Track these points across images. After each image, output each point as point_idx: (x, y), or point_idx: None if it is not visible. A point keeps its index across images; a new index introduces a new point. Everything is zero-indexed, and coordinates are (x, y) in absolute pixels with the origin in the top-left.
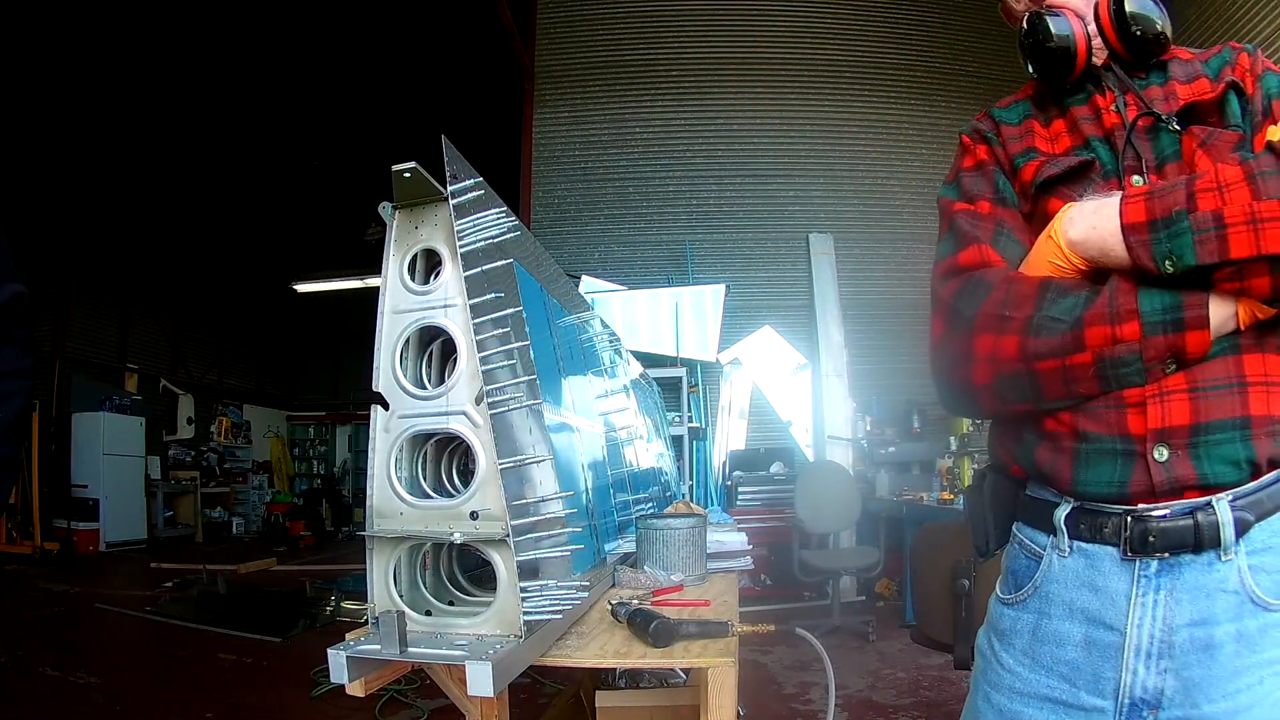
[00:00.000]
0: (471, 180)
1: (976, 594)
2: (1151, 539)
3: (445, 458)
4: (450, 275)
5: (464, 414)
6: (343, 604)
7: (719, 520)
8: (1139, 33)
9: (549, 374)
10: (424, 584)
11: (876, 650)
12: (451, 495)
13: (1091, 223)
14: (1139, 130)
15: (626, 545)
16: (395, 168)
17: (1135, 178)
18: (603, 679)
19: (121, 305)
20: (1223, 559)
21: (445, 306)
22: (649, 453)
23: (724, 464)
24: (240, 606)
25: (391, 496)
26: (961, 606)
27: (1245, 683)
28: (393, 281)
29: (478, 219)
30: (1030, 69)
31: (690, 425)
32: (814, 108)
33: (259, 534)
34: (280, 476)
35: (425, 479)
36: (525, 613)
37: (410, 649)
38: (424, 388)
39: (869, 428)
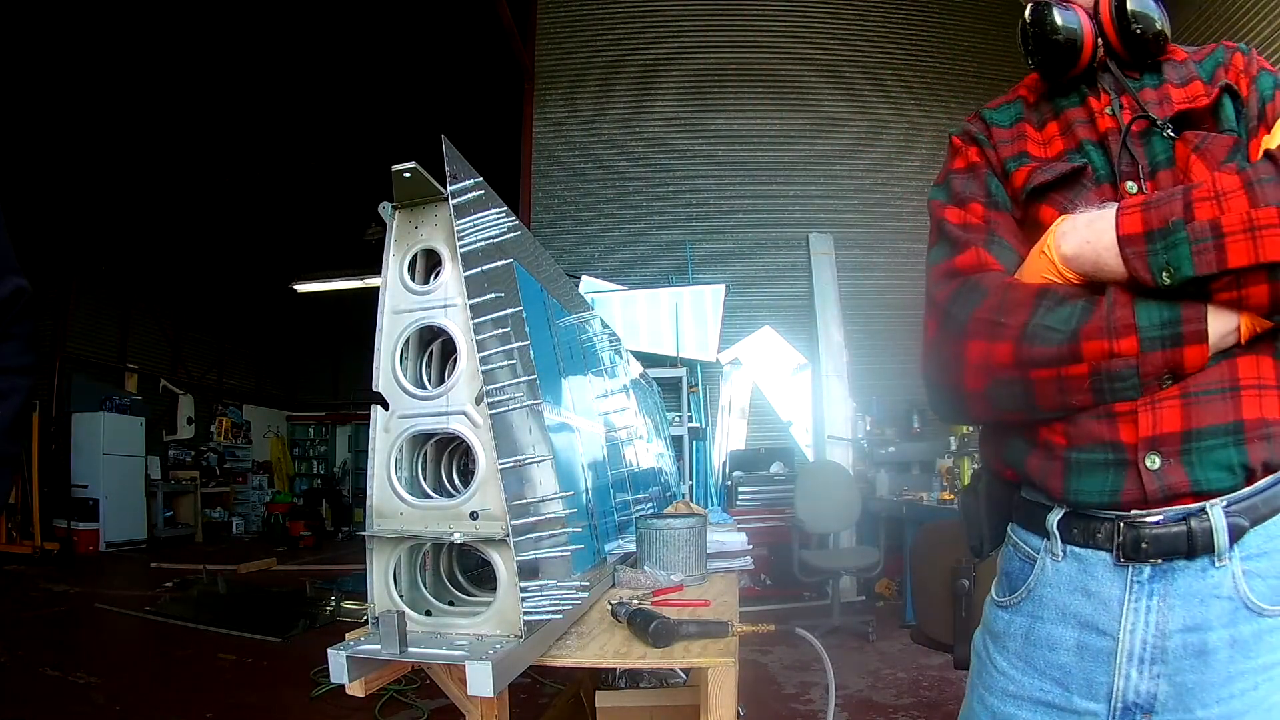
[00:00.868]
0: (471, 180)
1: (976, 594)
2: (1144, 545)
3: (445, 458)
4: (450, 275)
5: (464, 414)
6: (343, 604)
7: (719, 520)
8: (1139, 31)
9: (549, 374)
10: (424, 584)
11: (876, 650)
12: (451, 495)
13: (1085, 237)
14: (1133, 134)
15: (626, 545)
16: (395, 168)
17: (1129, 184)
18: (603, 679)
19: (121, 305)
20: (1217, 565)
21: (445, 306)
22: (649, 453)
23: (724, 464)
24: (240, 606)
25: (391, 496)
26: (961, 606)
27: (1239, 688)
28: (393, 281)
29: (478, 219)
30: (1030, 60)
31: (690, 425)
32: (814, 108)
33: (259, 534)
34: (280, 476)
35: (425, 479)
36: (525, 613)
37: (410, 649)
38: (424, 388)
39: (869, 428)
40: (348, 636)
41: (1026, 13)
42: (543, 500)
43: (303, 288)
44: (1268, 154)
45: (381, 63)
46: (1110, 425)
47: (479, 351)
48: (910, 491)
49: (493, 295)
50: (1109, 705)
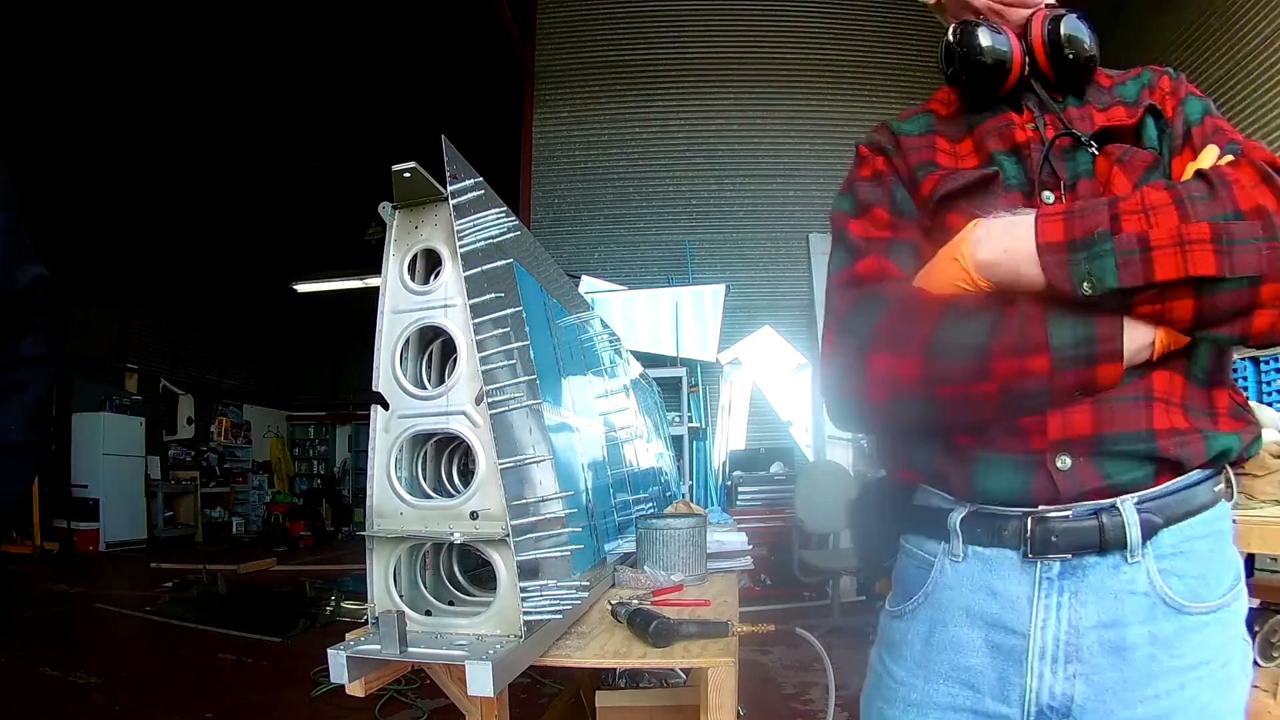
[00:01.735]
0: (471, 180)
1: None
2: (1054, 539)
3: (445, 458)
4: (450, 275)
5: (464, 414)
6: (343, 604)
7: (719, 520)
8: (1071, 56)
9: (549, 374)
10: (424, 584)
11: None
12: (451, 495)
13: (1004, 245)
14: (1056, 149)
15: (626, 545)
16: (395, 168)
17: (1046, 194)
18: (603, 679)
19: (121, 305)
20: (1129, 561)
21: (445, 306)
22: (649, 453)
23: (724, 464)
24: (240, 606)
25: (391, 496)
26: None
27: (1165, 687)
28: (393, 281)
29: (478, 219)
30: (951, 78)
31: (690, 425)
32: (814, 108)
33: (259, 534)
34: (280, 476)
35: (425, 479)
36: (525, 613)
37: (410, 649)
38: (424, 388)
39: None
40: (348, 636)
41: (951, 32)
42: (543, 500)
43: (303, 288)
44: (1199, 173)
45: (381, 63)
46: (1020, 435)
47: (479, 351)
48: None
49: (493, 295)
50: (1022, 709)
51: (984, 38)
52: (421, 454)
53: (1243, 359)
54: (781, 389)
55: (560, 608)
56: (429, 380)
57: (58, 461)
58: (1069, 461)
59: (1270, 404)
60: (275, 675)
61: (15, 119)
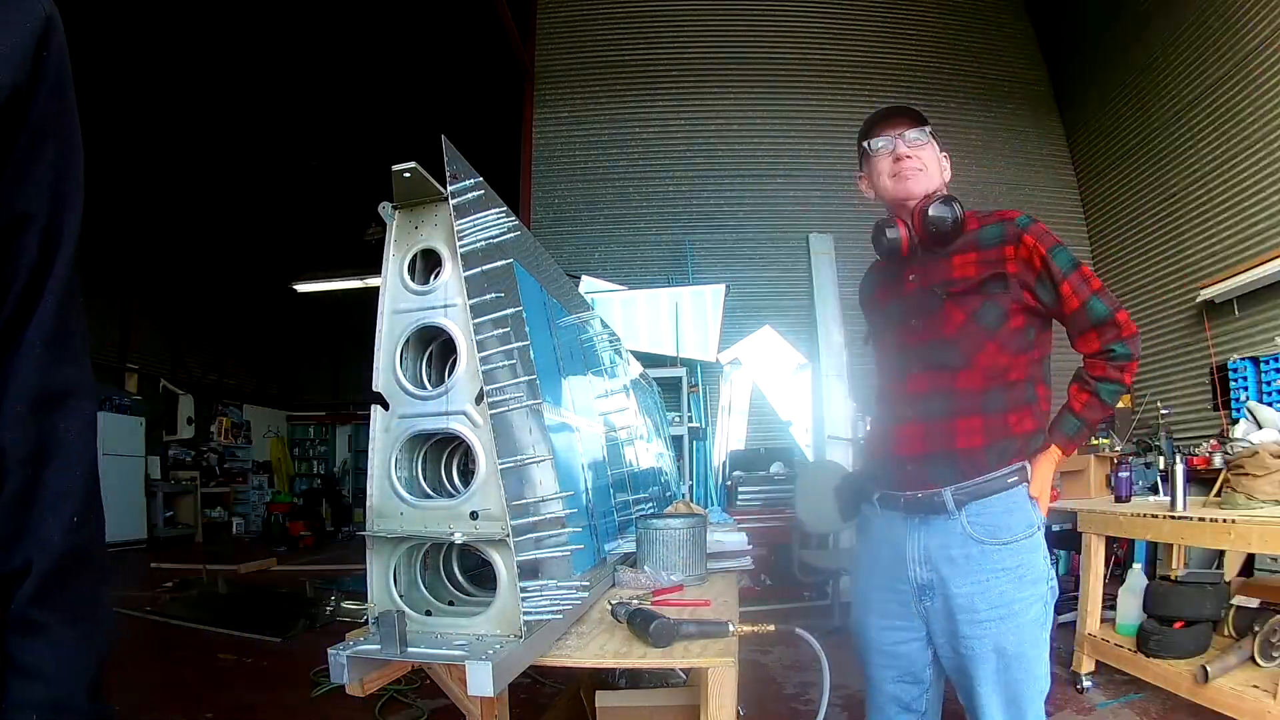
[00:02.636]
0: (471, 180)
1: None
2: (915, 507)
3: (445, 458)
4: (450, 275)
5: (464, 414)
6: (343, 604)
7: (719, 520)
8: (934, 229)
9: (549, 374)
10: (424, 584)
11: None
12: (451, 495)
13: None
14: (920, 292)
15: (626, 545)
16: (395, 168)
17: (913, 321)
18: (603, 679)
19: (121, 305)
20: (950, 518)
21: (445, 306)
22: (649, 453)
23: (724, 464)
24: (240, 606)
25: (391, 496)
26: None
27: (978, 580)
28: (393, 281)
29: (478, 219)
30: (877, 252)
31: (690, 425)
32: (814, 108)
33: (259, 534)
34: (280, 476)
35: (425, 479)
36: (525, 613)
37: (410, 649)
38: (424, 388)
39: (869, 428)
40: (348, 636)
41: (874, 228)
42: (543, 500)
43: (303, 288)
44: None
45: (381, 63)
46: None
47: (479, 351)
48: None
49: (493, 295)
50: (911, 585)
51: (886, 232)
52: (421, 454)
53: (1243, 359)
54: (781, 389)
55: (560, 608)
56: (429, 380)
57: None
58: (912, 468)
59: (1270, 404)
60: (275, 675)
61: None
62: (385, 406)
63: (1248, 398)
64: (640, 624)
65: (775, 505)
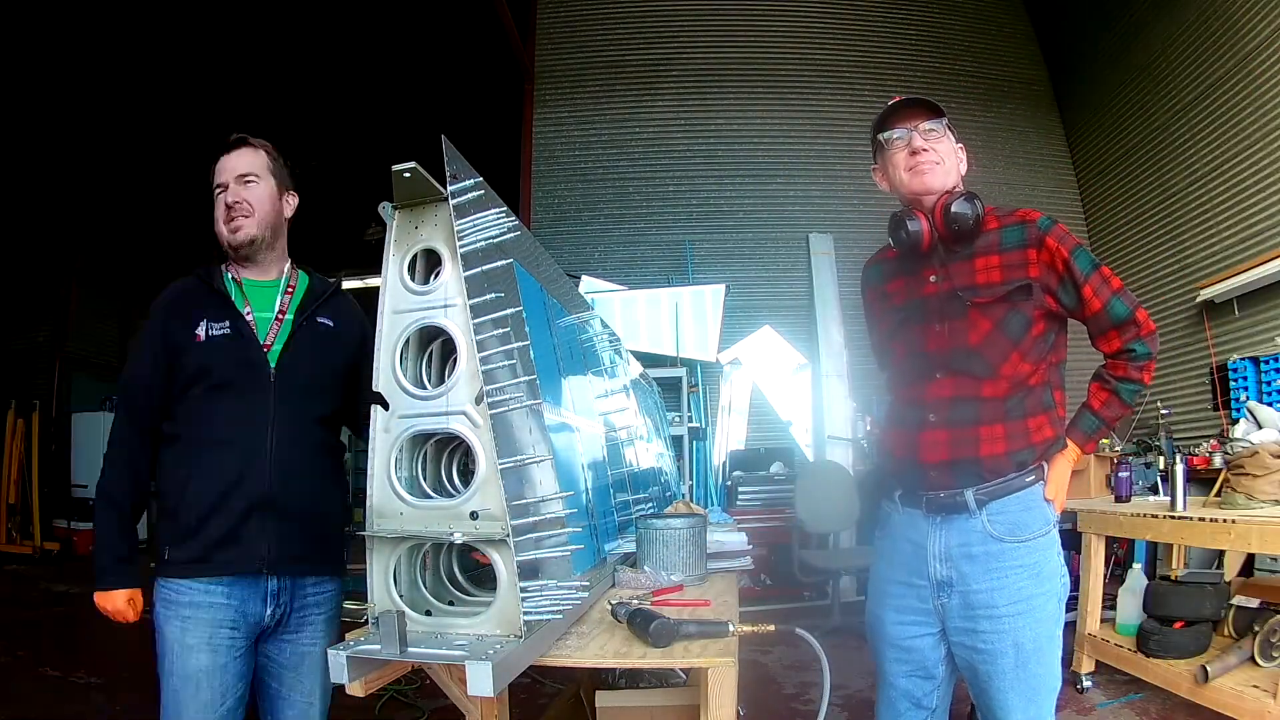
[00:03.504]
0: (471, 180)
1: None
2: (937, 506)
3: (445, 458)
4: (450, 275)
5: (464, 414)
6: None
7: (719, 520)
8: (956, 227)
9: (549, 374)
10: (424, 584)
11: None
12: (451, 495)
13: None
14: (943, 295)
15: (626, 545)
16: (395, 168)
17: (935, 325)
18: (603, 679)
19: (121, 305)
20: (971, 518)
21: (445, 306)
22: (649, 453)
23: (724, 464)
24: None
25: (391, 496)
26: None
27: (994, 578)
28: (393, 281)
29: (478, 219)
30: (895, 246)
31: (690, 425)
32: (814, 108)
33: None
34: None
35: (425, 479)
36: (525, 613)
37: (410, 649)
38: (424, 388)
39: (869, 428)
40: (348, 636)
41: (891, 219)
42: (543, 500)
43: None
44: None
45: (381, 63)
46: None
47: (479, 351)
48: None
49: (493, 295)
50: (929, 580)
51: (907, 224)
52: (421, 454)
53: (1243, 359)
54: (781, 389)
55: (560, 608)
56: (429, 380)
57: (57, 462)
58: (936, 473)
59: (1270, 404)
60: None
61: (15, 118)
62: (385, 406)
63: (1248, 398)
64: (640, 624)
65: (775, 505)
